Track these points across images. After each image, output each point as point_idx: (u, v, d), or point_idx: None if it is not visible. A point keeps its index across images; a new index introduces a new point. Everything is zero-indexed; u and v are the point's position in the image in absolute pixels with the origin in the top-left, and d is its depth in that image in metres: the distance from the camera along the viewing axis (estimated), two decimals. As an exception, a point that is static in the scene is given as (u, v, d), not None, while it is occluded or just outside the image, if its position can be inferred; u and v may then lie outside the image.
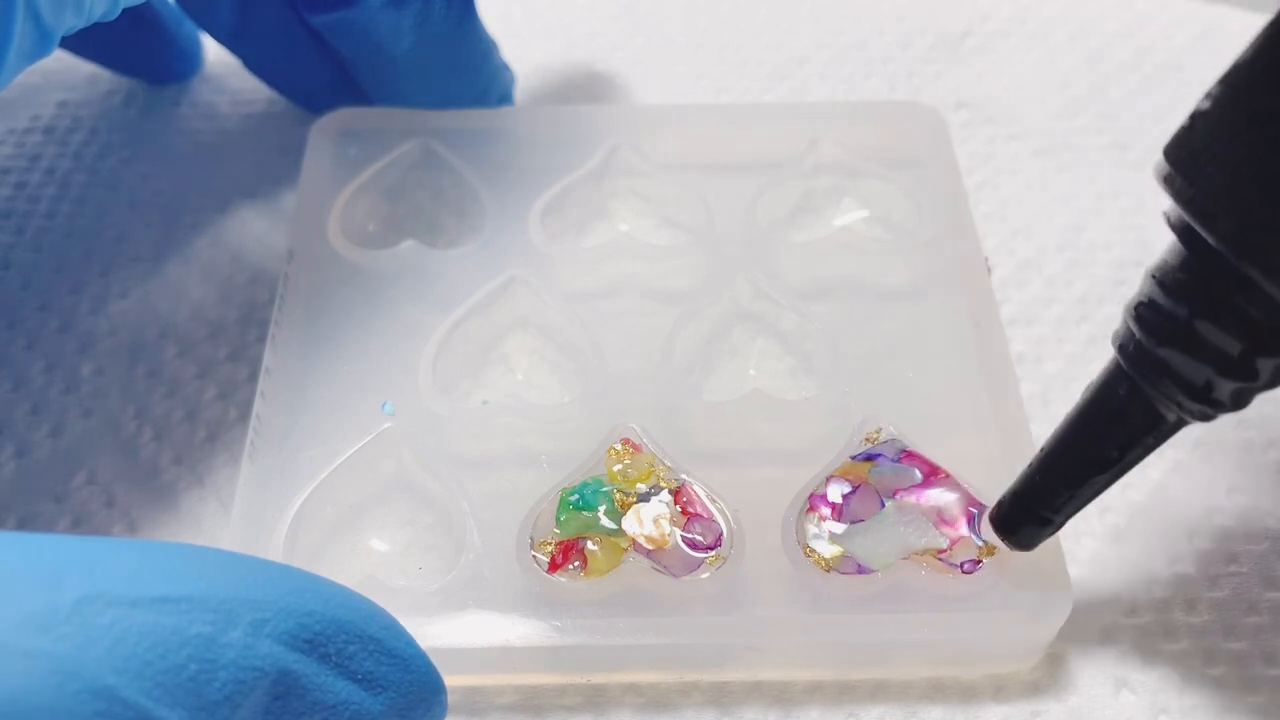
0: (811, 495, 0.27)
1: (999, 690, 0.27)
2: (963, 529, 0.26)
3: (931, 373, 0.30)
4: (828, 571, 0.26)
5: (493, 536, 0.27)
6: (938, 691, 0.27)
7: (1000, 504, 0.25)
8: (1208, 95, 0.20)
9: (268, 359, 0.30)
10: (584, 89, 0.40)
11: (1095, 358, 0.32)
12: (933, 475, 0.27)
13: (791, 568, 0.26)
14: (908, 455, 0.28)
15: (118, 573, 0.17)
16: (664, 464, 0.28)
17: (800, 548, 0.26)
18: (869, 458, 0.28)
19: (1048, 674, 0.27)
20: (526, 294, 0.31)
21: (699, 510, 0.27)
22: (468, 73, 0.36)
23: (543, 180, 0.33)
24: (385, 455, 0.29)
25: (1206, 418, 0.22)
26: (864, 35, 0.41)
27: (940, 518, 0.27)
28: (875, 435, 0.28)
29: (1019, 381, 0.30)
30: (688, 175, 0.34)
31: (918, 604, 0.26)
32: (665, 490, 0.27)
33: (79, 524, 0.30)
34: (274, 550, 0.27)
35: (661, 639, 0.26)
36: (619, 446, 0.28)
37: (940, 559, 0.26)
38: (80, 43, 0.37)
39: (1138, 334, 0.22)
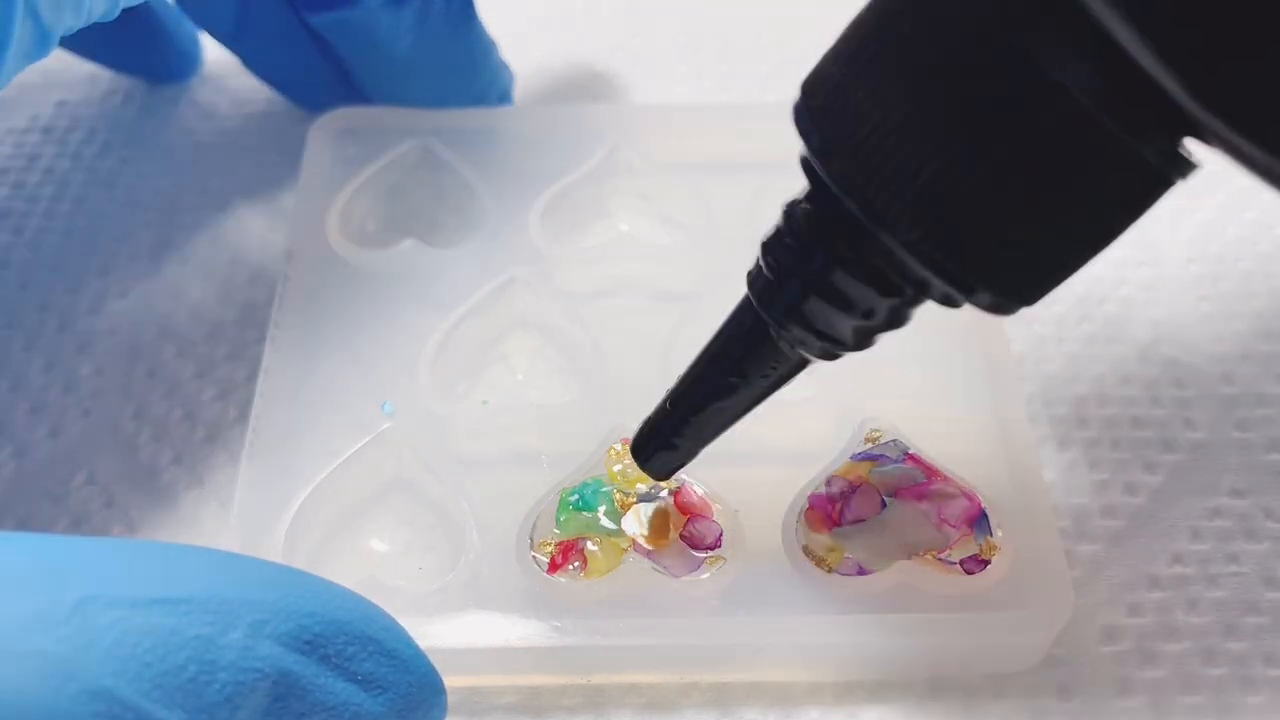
0: (812, 495, 0.27)
1: (1000, 691, 0.27)
2: (963, 530, 0.26)
3: (932, 371, 0.30)
4: (828, 572, 0.26)
5: (492, 537, 0.27)
6: (938, 692, 0.27)
7: (637, 433, 0.25)
8: (842, 35, 0.20)
9: (267, 359, 0.30)
10: (584, 88, 0.40)
11: (1097, 356, 0.32)
12: (933, 476, 0.27)
13: (792, 568, 0.26)
14: (911, 458, 0.28)
15: (117, 574, 0.17)
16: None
17: (800, 548, 0.26)
18: (870, 458, 0.28)
19: (1049, 675, 0.27)
20: (526, 294, 0.31)
21: (699, 511, 0.27)
22: (467, 72, 0.35)
23: (543, 180, 0.33)
24: (385, 455, 0.29)
25: (829, 355, 0.22)
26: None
27: (941, 518, 0.27)
28: (877, 436, 0.28)
29: (1020, 381, 0.30)
30: (688, 175, 0.34)
31: (918, 605, 0.26)
32: (665, 491, 0.27)
33: (78, 524, 0.30)
34: (273, 550, 0.27)
35: (661, 639, 0.26)
36: (619, 446, 0.28)
37: (941, 560, 0.26)
38: (79, 42, 0.37)
39: (763, 266, 0.22)
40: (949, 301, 0.21)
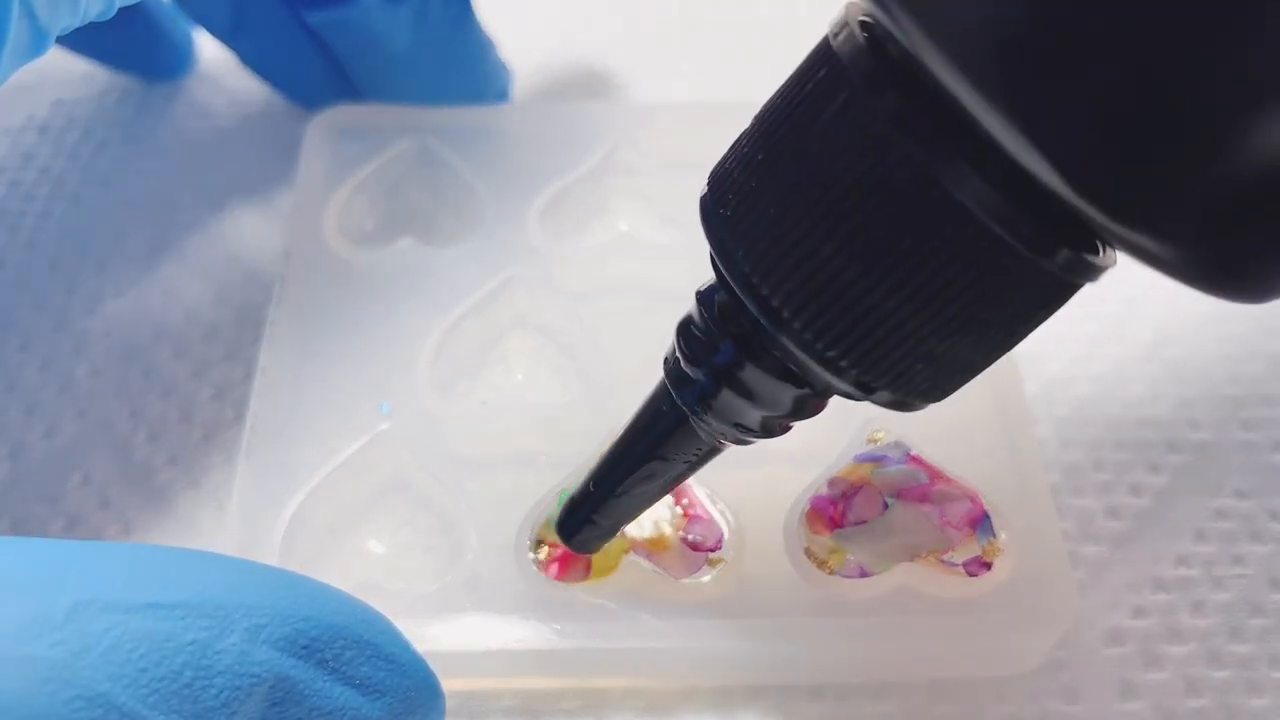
0: (813, 497, 0.27)
1: (1002, 694, 0.27)
2: (966, 531, 0.26)
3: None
4: (830, 574, 0.26)
5: (491, 538, 0.27)
6: (940, 694, 0.27)
7: (561, 511, 0.25)
8: (747, 130, 0.20)
9: (264, 359, 0.30)
10: (583, 86, 0.40)
11: (1099, 356, 0.32)
12: (936, 478, 0.27)
13: (793, 570, 0.26)
14: (913, 459, 0.27)
15: (112, 578, 0.17)
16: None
17: (802, 550, 0.26)
18: (872, 459, 0.27)
19: (1052, 677, 0.27)
20: (525, 293, 0.31)
21: (699, 512, 0.27)
22: (465, 70, 0.35)
23: (542, 179, 0.33)
24: (383, 456, 0.29)
25: (740, 442, 0.22)
26: (864, 33, 0.41)
27: (943, 520, 0.26)
28: (879, 437, 0.28)
29: (1022, 381, 0.30)
30: (688, 174, 0.33)
31: (920, 607, 0.26)
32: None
33: (73, 526, 0.30)
34: (270, 552, 0.26)
35: (662, 642, 0.26)
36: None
37: (943, 562, 0.26)
38: (75, 40, 0.37)
39: (677, 353, 0.22)
40: (851, 397, 0.20)
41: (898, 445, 0.28)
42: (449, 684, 0.22)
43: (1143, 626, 0.28)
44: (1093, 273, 0.18)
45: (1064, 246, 0.18)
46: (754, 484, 0.28)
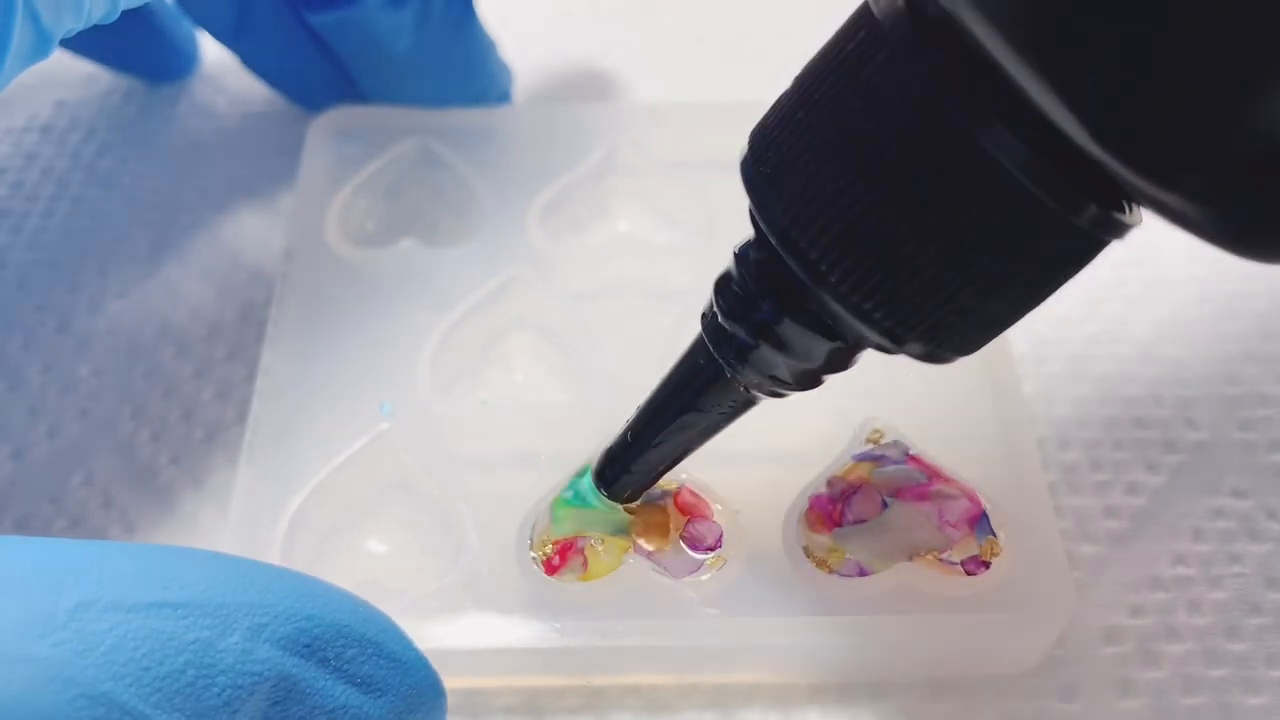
0: (812, 496, 0.27)
1: (1001, 692, 0.27)
2: (965, 531, 0.26)
3: (932, 372, 0.30)
4: (829, 573, 0.26)
5: (492, 537, 0.27)
6: (939, 693, 0.27)
7: (599, 459, 0.26)
8: (787, 91, 0.21)
9: (265, 359, 0.30)
10: (583, 87, 0.40)
11: (1098, 356, 0.32)
12: (935, 477, 0.27)
13: (792, 569, 0.26)
14: (912, 459, 0.27)
15: (115, 578, 0.17)
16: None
17: (801, 549, 0.26)
18: (871, 458, 0.28)
19: (1050, 676, 0.27)
20: (525, 293, 0.31)
21: (700, 511, 0.27)
22: (467, 71, 0.35)
23: (542, 179, 0.33)
24: (384, 456, 0.29)
25: (775, 394, 0.23)
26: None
27: (942, 519, 0.27)
28: (878, 436, 0.28)
29: (1020, 381, 0.30)
30: (688, 174, 0.34)
31: (919, 606, 0.26)
32: (665, 491, 0.27)
33: (76, 525, 0.30)
34: (272, 552, 0.27)
35: (662, 640, 0.26)
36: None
37: (942, 561, 0.26)
38: (77, 41, 0.37)
39: (715, 306, 0.22)
40: (884, 349, 0.21)
41: (896, 445, 0.28)
42: (450, 682, 0.22)
43: (1140, 625, 0.28)
44: (1120, 230, 0.19)
45: (1092, 203, 0.18)
46: (754, 484, 0.28)
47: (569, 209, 0.33)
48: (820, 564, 0.26)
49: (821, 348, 0.21)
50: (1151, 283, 0.34)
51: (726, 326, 0.22)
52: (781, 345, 0.21)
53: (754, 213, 0.21)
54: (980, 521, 0.27)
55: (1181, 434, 0.31)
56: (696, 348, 0.24)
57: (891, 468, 0.27)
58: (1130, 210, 0.19)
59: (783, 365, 0.22)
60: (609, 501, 0.27)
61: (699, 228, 0.33)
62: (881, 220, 0.19)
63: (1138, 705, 0.27)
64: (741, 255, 0.22)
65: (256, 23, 0.34)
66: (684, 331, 0.30)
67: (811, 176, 0.19)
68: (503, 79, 0.37)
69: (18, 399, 0.32)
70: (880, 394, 0.29)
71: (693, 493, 0.27)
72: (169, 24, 0.38)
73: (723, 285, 0.22)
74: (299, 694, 0.19)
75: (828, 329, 0.21)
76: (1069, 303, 0.33)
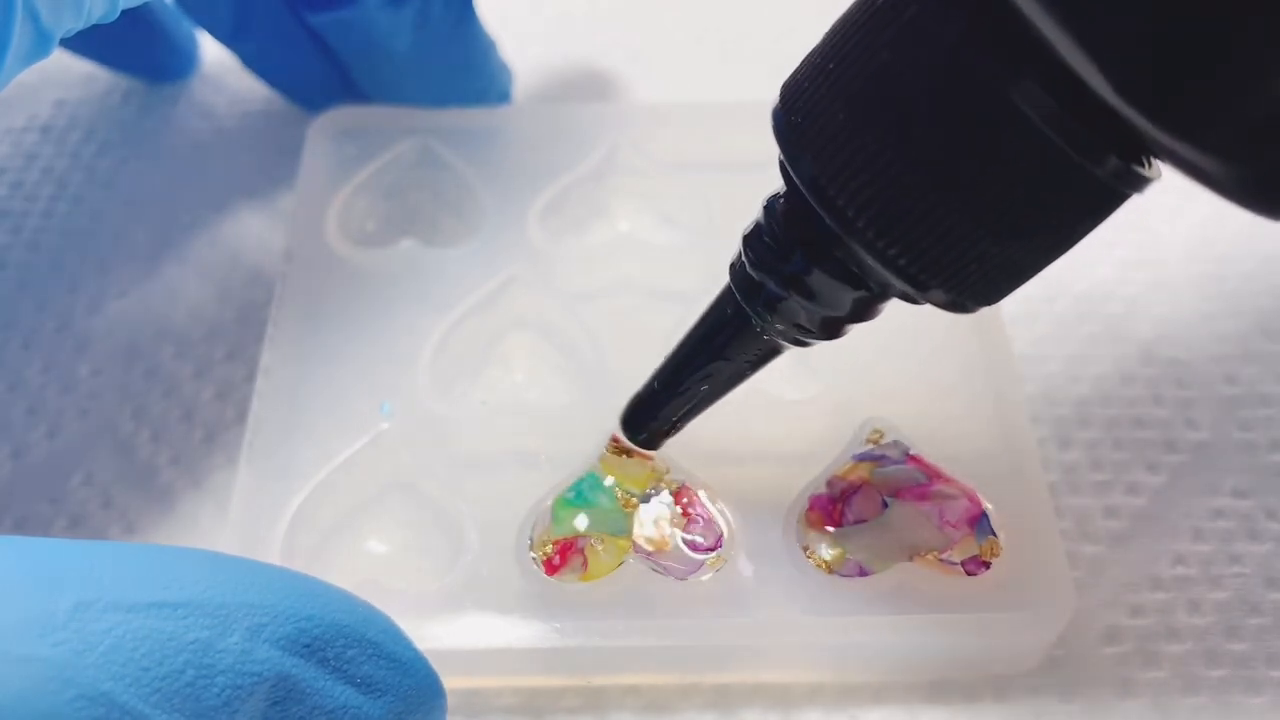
0: (812, 496, 0.27)
1: (1001, 693, 0.27)
2: (965, 531, 0.26)
3: (933, 372, 0.30)
4: (829, 573, 0.26)
5: (492, 538, 0.27)
6: (939, 693, 0.27)
7: (627, 407, 0.27)
8: (819, 45, 0.21)
9: (265, 359, 0.30)
10: (583, 87, 0.40)
11: (1098, 356, 0.32)
12: (935, 477, 0.27)
13: (792, 569, 0.26)
14: (912, 459, 0.27)
15: (114, 578, 0.17)
16: (664, 464, 0.28)
17: (801, 549, 0.26)
18: (871, 458, 0.28)
19: (1050, 676, 0.27)
20: (525, 294, 0.31)
21: (699, 511, 0.27)
22: (466, 71, 0.35)
23: (542, 179, 0.33)
24: (384, 456, 0.29)
25: (800, 343, 0.24)
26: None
27: (942, 519, 0.27)
28: (878, 436, 0.28)
29: (1021, 381, 0.30)
30: (688, 174, 0.34)
31: (919, 606, 0.26)
32: (666, 491, 0.27)
33: (76, 525, 0.30)
34: (272, 552, 0.27)
35: (662, 641, 0.26)
36: (614, 444, 0.28)
37: (942, 561, 0.26)
38: (77, 41, 0.37)
39: (743, 256, 0.23)
40: (908, 298, 0.22)
41: (897, 445, 0.28)
42: (450, 682, 0.22)
43: (1140, 625, 0.28)
44: (1139, 183, 0.19)
45: (1114, 155, 0.19)
46: (754, 484, 0.28)
47: (569, 209, 0.33)
48: (820, 564, 0.26)
49: (847, 296, 0.22)
50: (1151, 283, 0.34)
51: (755, 276, 0.23)
52: (809, 294, 0.22)
53: (783, 163, 0.21)
54: (980, 522, 0.27)
55: (1182, 434, 0.31)
56: (724, 298, 0.24)
57: (891, 468, 0.27)
58: (1149, 164, 0.19)
59: (807, 314, 0.22)
60: (611, 500, 0.27)
61: (699, 228, 0.33)
62: (909, 169, 0.19)
63: (1138, 705, 0.27)
64: (770, 206, 0.23)
65: (256, 23, 0.34)
66: (684, 331, 0.30)
67: (841, 127, 0.20)
68: (503, 79, 0.37)
69: (17, 399, 0.32)
70: (881, 394, 0.29)
71: (693, 493, 0.27)
72: (169, 24, 0.38)
73: (751, 237, 0.23)
74: (298, 694, 0.19)
75: (854, 278, 0.22)
76: (1069, 303, 0.33)
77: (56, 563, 0.17)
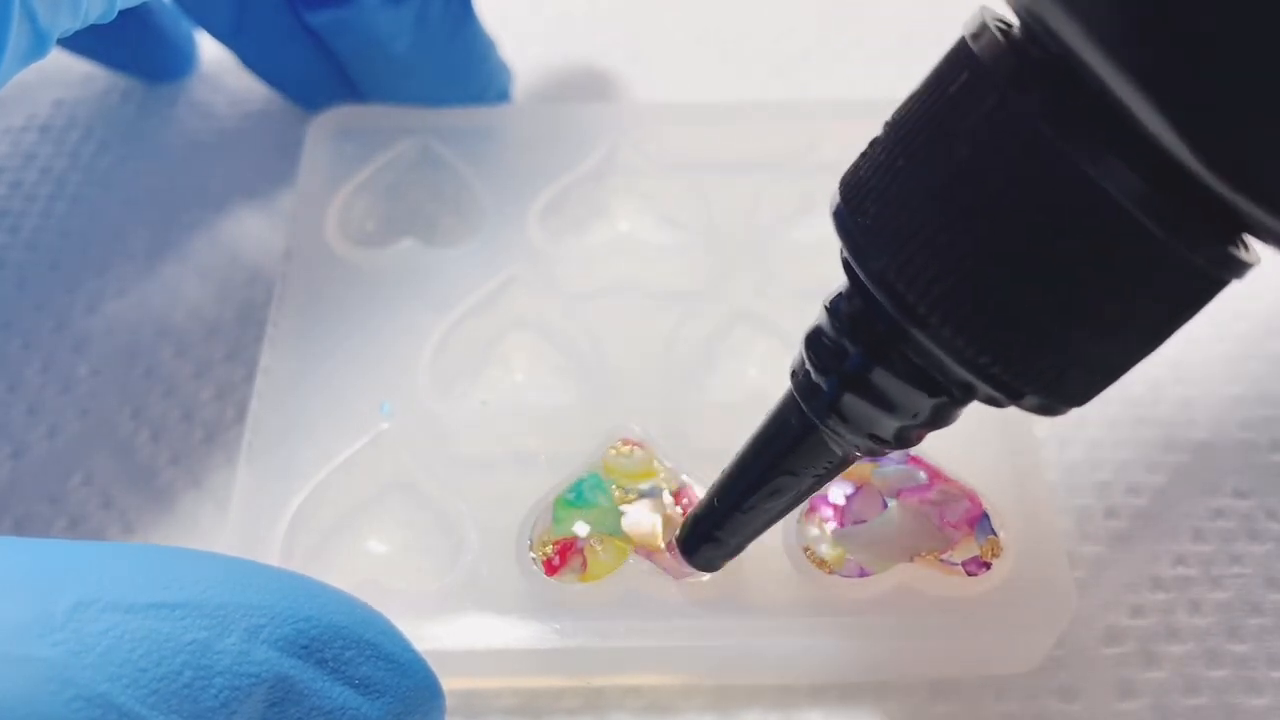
0: (813, 496, 0.27)
1: (1001, 693, 0.27)
2: (965, 531, 0.26)
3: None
4: (829, 573, 0.26)
5: (491, 538, 0.27)
6: (940, 694, 0.27)
7: (683, 526, 0.25)
8: (881, 134, 0.20)
9: (265, 359, 0.30)
10: (583, 87, 0.40)
11: (1098, 358, 0.32)
12: (935, 477, 0.27)
13: (793, 570, 0.26)
14: (913, 459, 0.27)
15: (112, 578, 0.17)
16: (664, 464, 0.28)
17: (802, 549, 0.26)
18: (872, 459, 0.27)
19: (1051, 676, 0.27)
20: (526, 293, 0.31)
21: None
22: (466, 71, 0.35)
23: (542, 179, 0.33)
24: (383, 456, 0.29)
25: (874, 453, 0.22)
26: (865, 32, 0.41)
27: (943, 520, 0.27)
28: (877, 437, 0.28)
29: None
30: (688, 174, 0.34)
31: (920, 606, 0.26)
32: (665, 491, 0.27)
33: (75, 525, 0.30)
34: (271, 552, 0.27)
35: (662, 641, 0.26)
36: (620, 446, 0.28)
37: (943, 561, 0.26)
38: (75, 41, 0.37)
39: (807, 364, 0.21)
40: (994, 403, 0.20)
41: (898, 446, 0.28)
42: (449, 683, 0.22)
43: (1141, 626, 0.28)
44: (1240, 268, 0.18)
45: (1212, 241, 0.18)
46: (753, 484, 0.28)
47: (569, 209, 0.33)
48: (821, 564, 0.26)
49: (924, 402, 0.20)
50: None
51: (819, 382, 0.21)
52: (881, 399, 0.20)
53: (851, 262, 0.20)
54: (981, 522, 0.27)
55: (1182, 434, 0.31)
56: (786, 406, 0.22)
57: (892, 468, 0.27)
58: (1248, 248, 0.18)
59: (882, 421, 0.21)
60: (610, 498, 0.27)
61: (699, 228, 0.33)
62: (997, 268, 0.18)
63: (1138, 706, 0.27)
64: (832, 307, 0.21)
65: (255, 22, 0.34)
66: (684, 331, 0.30)
67: (918, 224, 0.19)
68: (502, 78, 0.37)
69: (17, 399, 0.32)
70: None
71: (693, 493, 0.27)
72: (168, 24, 0.38)
73: (813, 339, 0.21)
74: (296, 695, 0.19)
75: (931, 382, 0.20)
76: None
77: (55, 563, 0.17)
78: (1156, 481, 0.30)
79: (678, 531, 0.25)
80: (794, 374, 0.22)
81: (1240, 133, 0.16)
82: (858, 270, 0.20)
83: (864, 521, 0.27)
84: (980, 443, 0.28)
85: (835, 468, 0.23)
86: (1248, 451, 0.31)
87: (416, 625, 0.23)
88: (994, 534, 0.26)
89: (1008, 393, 0.19)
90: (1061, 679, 0.27)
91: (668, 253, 0.33)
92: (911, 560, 0.26)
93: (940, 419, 0.21)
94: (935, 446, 0.28)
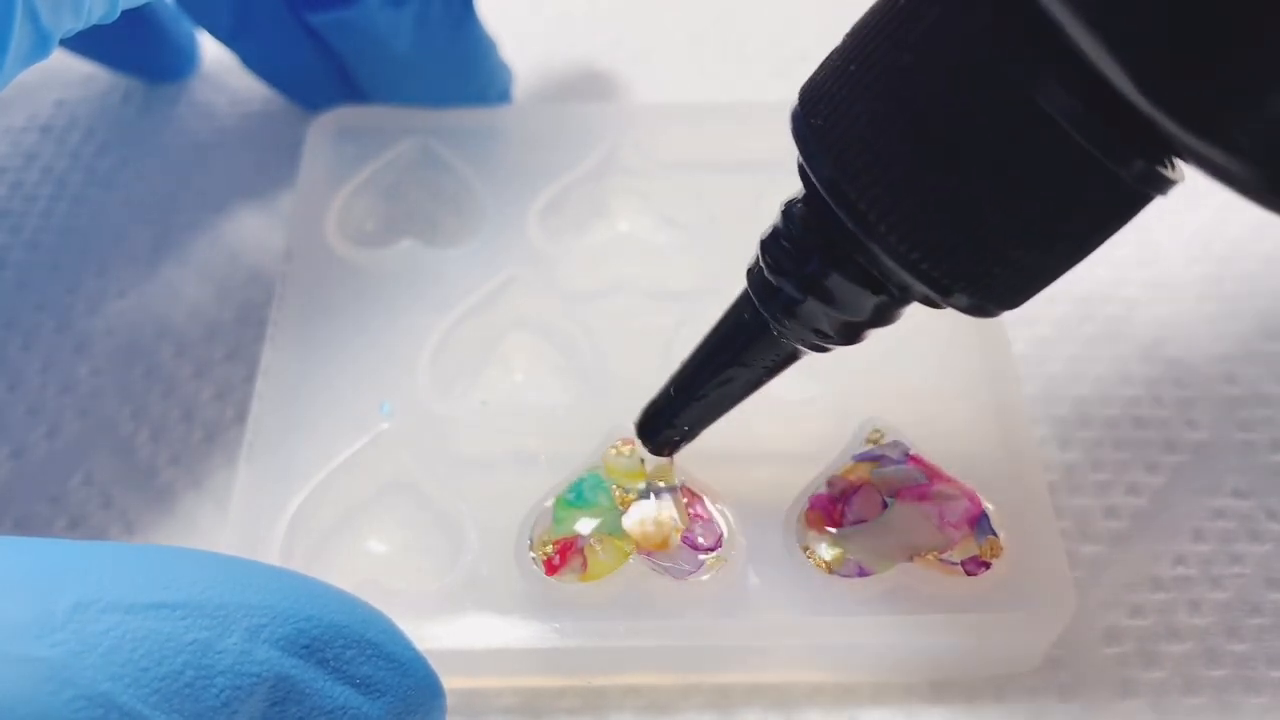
0: (813, 496, 0.27)
1: (1001, 693, 0.27)
2: (965, 531, 0.26)
3: (933, 372, 0.30)
4: (829, 573, 0.26)
5: (492, 538, 0.27)
6: (939, 694, 0.27)
7: (642, 413, 0.26)
8: (839, 46, 0.21)
9: (265, 359, 0.30)
10: (583, 87, 0.40)
11: (1098, 357, 0.32)
12: (935, 477, 0.27)
13: (793, 569, 0.26)
14: (912, 459, 0.27)
15: (113, 578, 0.17)
16: (664, 464, 0.27)
17: (801, 549, 0.26)
18: (871, 459, 0.28)
19: (1050, 676, 0.27)
20: (525, 294, 0.31)
21: (700, 511, 0.27)
22: (467, 71, 0.35)
23: (542, 179, 0.33)
24: (383, 456, 0.29)
25: (819, 348, 0.23)
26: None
27: (942, 519, 0.27)
28: (878, 437, 0.28)
29: (1020, 382, 0.30)
30: (688, 174, 0.34)
31: (919, 606, 0.26)
32: (665, 490, 0.27)
33: (75, 525, 0.30)
34: (271, 552, 0.27)
35: (662, 641, 0.26)
36: (620, 446, 0.28)
37: (942, 561, 0.26)
38: (77, 41, 0.37)
39: (761, 261, 0.23)
40: (930, 302, 0.21)
41: (896, 445, 0.28)
42: (449, 683, 0.22)
43: (1141, 625, 0.28)
44: (1163, 185, 0.19)
45: (1139, 157, 0.19)
46: (754, 484, 0.28)
47: (569, 209, 0.33)
48: (820, 564, 0.26)
49: (868, 301, 0.22)
50: (1151, 283, 0.34)
51: (773, 281, 0.23)
52: (828, 299, 0.22)
53: (803, 166, 0.21)
54: (980, 522, 0.27)
55: (1182, 434, 0.31)
56: (741, 303, 0.24)
57: (891, 468, 0.27)
58: (1173, 166, 0.19)
59: (827, 319, 0.22)
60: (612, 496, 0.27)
61: (699, 228, 0.33)
62: (931, 171, 0.19)
63: (1138, 705, 0.27)
64: (788, 210, 0.22)
65: (256, 23, 0.34)
66: (684, 331, 0.30)
67: (863, 129, 0.20)
68: (503, 79, 0.37)
69: (17, 399, 0.32)
70: (881, 394, 0.29)
71: (693, 493, 0.27)
72: (169, 24, 0.38)
73: (769, 241, 0.23)
74: (297, 695, 0.19)
75: (874, 282, 0.21)
76: (1069, 303, 0.33)
77: (55, 563, 0.17)
78: (1156, 481, 0.30)
79: (636, 419, 0.26)
80: (749, 273, 0.23)
81: (1164, 55, 0.16)
82: (809, 174, 0.21)
83: (864, 521, 0.27)
84: (980, 443, 0.28)
85: (783, 361, 0.24)
86: (1247, 452, 0.31)
87: (417, 625, 0.23)
88: (993, 534, 0.26)
89: (938, 289, 0.20)
90: (1061, 679, 0.27)
91: (668, 253, 0.33)
92: (911, 560, 0.26)
93: (881, 317, 0.22)
94: (935, 447, 0.28)
